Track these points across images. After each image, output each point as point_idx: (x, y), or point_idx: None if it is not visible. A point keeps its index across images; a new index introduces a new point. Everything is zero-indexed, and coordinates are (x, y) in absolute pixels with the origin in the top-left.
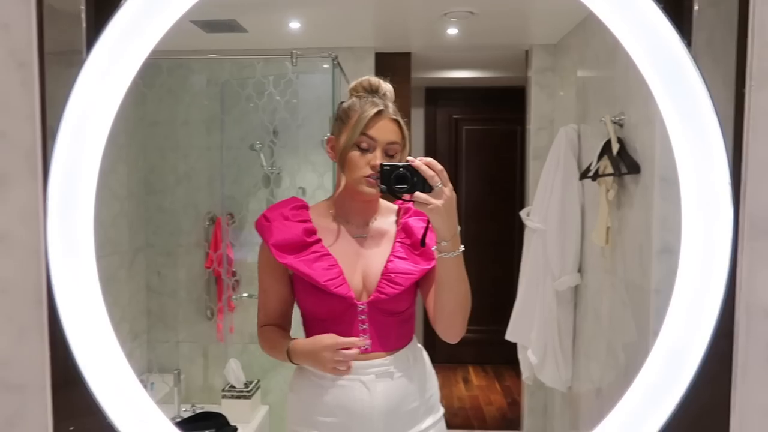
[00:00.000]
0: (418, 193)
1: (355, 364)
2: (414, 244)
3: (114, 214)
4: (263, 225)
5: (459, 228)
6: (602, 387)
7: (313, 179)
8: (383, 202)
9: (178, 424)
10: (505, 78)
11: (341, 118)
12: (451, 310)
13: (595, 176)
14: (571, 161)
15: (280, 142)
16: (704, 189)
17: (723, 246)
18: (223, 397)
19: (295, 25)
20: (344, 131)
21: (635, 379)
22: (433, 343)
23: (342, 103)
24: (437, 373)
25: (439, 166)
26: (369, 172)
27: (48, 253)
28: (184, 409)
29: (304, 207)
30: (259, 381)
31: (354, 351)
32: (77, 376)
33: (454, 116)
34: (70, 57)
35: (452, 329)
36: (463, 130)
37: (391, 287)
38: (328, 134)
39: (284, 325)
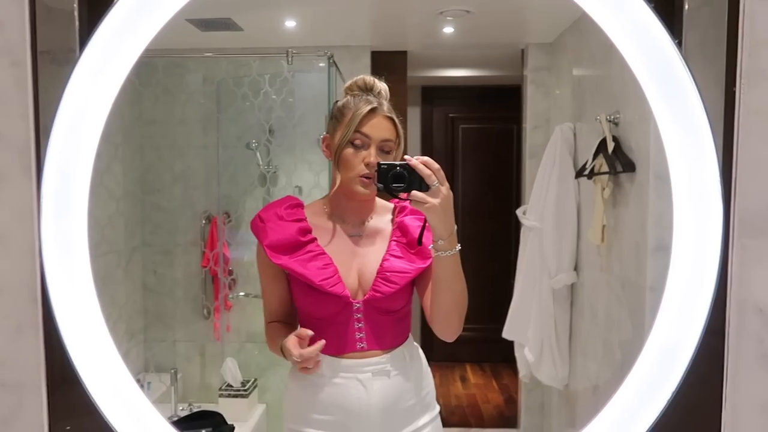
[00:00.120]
0: (415, 192)
1: (351, 362)
2: (410, 242)
3: (110, 213)
4: (258, 226)
5: (456, 226)
6: (599, 384)
7: (309, 178)
8: (379, 201)
9: (175, 423)
10: (501, 77)
11: (336, 116)
12: (448, 309)
13: (591, 174)
14: (566, 160)
15: (277, 141)
16: (695, 187)
17: (714, 243)
18: (220, 396)
19: (291, 23)
20: (339, 129)
21: (627, 375)
22: (430, 342)
23: (337, 101)
24: (434, 371)
25: (436, 165)
26: (364, 170)
27: (42, 251)
28: (181, 408)
29: (300, 206)
30: (256, 380)
31: (314, 348)
32: (73, 376)
33: (451, 115)
34: (64, 55)
35: (449, 328)
36: (460, 129)
37: (387, 286)
38: (324, 133)
39: (290, 321)
